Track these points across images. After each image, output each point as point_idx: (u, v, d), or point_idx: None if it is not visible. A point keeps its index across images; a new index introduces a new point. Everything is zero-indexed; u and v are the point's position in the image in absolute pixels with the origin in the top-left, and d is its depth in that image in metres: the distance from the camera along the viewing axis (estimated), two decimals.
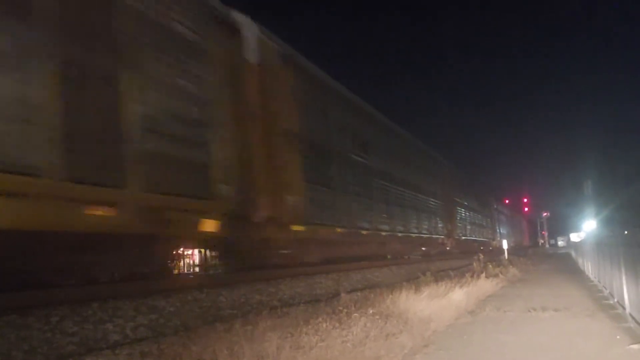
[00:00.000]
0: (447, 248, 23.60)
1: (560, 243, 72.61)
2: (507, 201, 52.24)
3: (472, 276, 11.28)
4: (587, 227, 40.58)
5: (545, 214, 75.89)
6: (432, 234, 20.79)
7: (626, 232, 6.75)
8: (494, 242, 37.51)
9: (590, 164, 70.11)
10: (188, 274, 9.36)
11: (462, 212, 26.91)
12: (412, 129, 25.44)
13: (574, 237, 44.61)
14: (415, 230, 18.71)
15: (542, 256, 34.05)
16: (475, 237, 30.24)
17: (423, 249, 20.89)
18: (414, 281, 10.27)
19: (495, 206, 41.36)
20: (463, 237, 26.30)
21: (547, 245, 73.03)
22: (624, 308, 6.54)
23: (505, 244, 26.16)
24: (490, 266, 15.16)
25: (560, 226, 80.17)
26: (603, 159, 68.17)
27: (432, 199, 20.98)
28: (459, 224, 25.75)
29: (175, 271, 8.81)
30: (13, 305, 5.07)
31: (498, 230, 41.46)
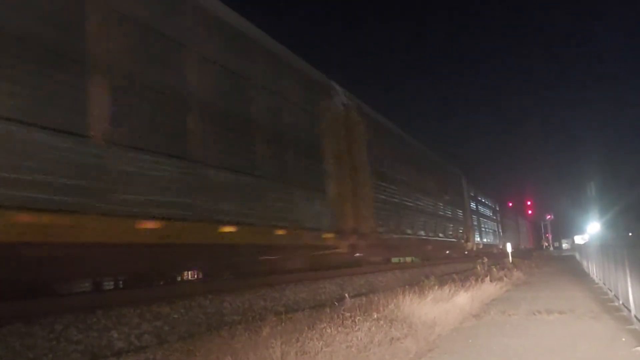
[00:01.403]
0: (357, 254, 12.97)
1: (565, 246, 72.54)
2: (510, 204, 51.85)
3: (476, 280, 11.26)
4: (592, 229, 40.64)
5: (549, 216, 75.75)
6: (304, 228, 9.90)
7: (630, 234, 6.74)
8: (469, 244, 25.71)
9: (594, 166, 70.31)
10: (192, 281, 9.37)
11: (397, 193, 15.71)
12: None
13: (579, 239, 44.59)
14: (258, 220, 8.45)
15: (547, 259, 33.90)
16: (428, 235, 18.67)
17: (286, 259, 10.64)
18: (417, 285, 10.25)
19: (472, 193, 29.10)
20: (396, 235, 15.19)
21: (552, 248, 72.79)
22: (629, 310, 6.51)
23: (509, 247, 25.67)
24: (495, 269, 15.15)
25: (565, 229, 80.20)
26: (607, 161, 68.28)
27: (306, 157, 10.37)
28: (384, 213, 14.47)
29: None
30: (17, 314, 5.08)
31: (476, 228, 29.01)
